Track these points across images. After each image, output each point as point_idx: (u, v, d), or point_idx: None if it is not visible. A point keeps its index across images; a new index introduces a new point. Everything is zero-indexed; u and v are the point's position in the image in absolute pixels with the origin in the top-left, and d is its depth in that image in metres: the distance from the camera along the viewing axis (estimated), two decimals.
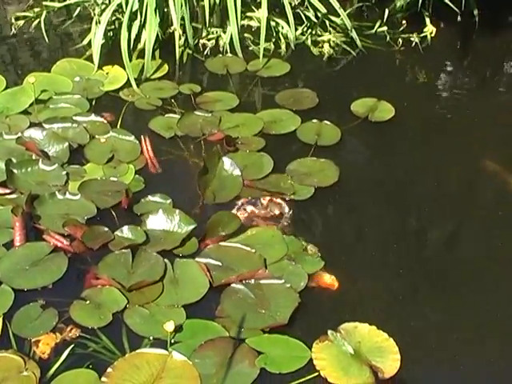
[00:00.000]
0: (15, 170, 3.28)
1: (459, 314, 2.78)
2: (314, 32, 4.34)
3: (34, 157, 3.39)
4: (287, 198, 3.22)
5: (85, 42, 4.24)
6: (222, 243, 2.99)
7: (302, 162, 3.48)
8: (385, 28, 4.41)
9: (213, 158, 3.38)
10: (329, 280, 2.88)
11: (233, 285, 2.83)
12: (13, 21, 4.39)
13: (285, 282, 2.84)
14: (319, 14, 4.31)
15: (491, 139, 3.69)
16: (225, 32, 4.24)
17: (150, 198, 3.21)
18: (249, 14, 4.30)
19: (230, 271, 2.88)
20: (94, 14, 4.08)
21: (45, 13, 4.33)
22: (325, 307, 2.83)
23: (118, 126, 3.70)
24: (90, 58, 4.08)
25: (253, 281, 2.84)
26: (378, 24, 4.44)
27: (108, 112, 3.76)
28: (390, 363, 2.61)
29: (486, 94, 4.12)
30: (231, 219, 3.05)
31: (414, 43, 4.37)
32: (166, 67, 4.15)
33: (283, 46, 4.32)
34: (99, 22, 4.01)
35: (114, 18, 4.17)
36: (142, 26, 4.04)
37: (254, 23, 4.31)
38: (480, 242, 3.09)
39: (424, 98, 4.07)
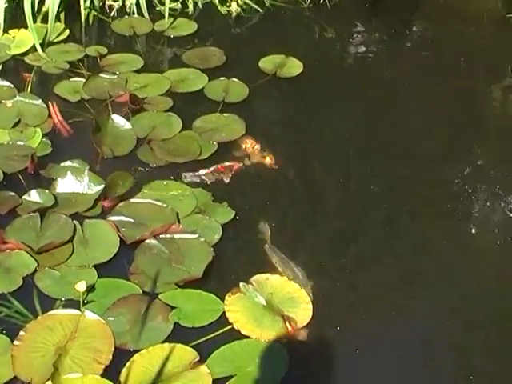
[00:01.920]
0: None
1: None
2: None
3: None
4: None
5: None
6: (132, 200, 2.98)
7: (208, 119, 3.49)
8: None
9: (102, 116, 3.39)
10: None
11: (147, 241, 2.83)
12: None
13: (199, 236, 2.85)
14: None
15: (398, 93, 3.74)
16: None
17: (58, 160, 3.16)
18: None
19: (144, 227, 2.87)
20: None
21: None
22: (238, 260, 2.83)
23: (26, 91, 3.61)
24: None
25: (167, 236, 2.84)
26: None
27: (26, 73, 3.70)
28: (303, 313, 2.64)
29: (394, 50, 4.18)
30: (126, 178, 3.04)
31: (322, 0, 4.37)
32: (71, 30, 4.06)
33: (191, 6, 4.30)
34: None
35: None
36: None
37: None
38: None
39: (332, 54, 4.12)
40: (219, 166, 3.17)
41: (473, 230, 3.00)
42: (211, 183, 3.12)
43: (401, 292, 2.75)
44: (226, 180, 3.14)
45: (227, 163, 3.20)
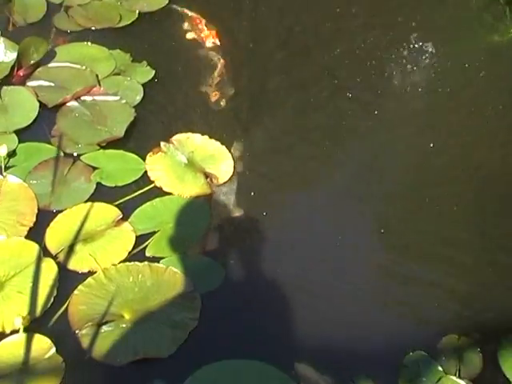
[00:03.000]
0: None
1: None
2: None
3: None
4: None
5: None
6: (50, 65, 2.94)
7: None
8: None
9: None
10: None
11: (68, 104, 2.82)
12: None
13: (120, 98, 2.85)
14: None
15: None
16: None
17: None
18: None
19: (64, 91, 2.86)
20: None
21: None
22: (159, 120, 2.85)
23: None
24: None
25: (89, 98, 2.83)
26: None
27: None
28: (224, 169, 2.68)
29: None
30: (40, 44, 2.98)
31: None
32: None
33: None
34: None
35: None
36: None
37: None
38: None
39: None
40: None
41: None
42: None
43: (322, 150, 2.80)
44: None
45: None
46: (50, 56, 3.00)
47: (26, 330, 2.21)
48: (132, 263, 2.36)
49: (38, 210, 2.50)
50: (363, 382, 2.14)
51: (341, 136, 2.87)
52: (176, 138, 2.75)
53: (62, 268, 2.36)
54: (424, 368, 2.17)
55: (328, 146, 2.83)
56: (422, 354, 2.20)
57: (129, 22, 3.24)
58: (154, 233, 2.47)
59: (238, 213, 2.56)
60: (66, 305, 2.28)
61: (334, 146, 2.84)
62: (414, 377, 2.15)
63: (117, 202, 2.53)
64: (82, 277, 2.34)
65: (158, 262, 2.39)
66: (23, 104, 2.82)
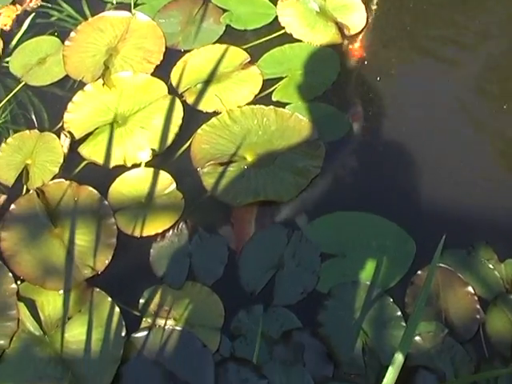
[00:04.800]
0: None
1: None
2: None
3: None
4: None
5: None
6: None
7: None
8: None
9: None
10: None
11: None
12: None
13: None
14: None
15: None
16: None
17: None
18: None
19: None
20: None
21: None
22: None
23: None
24: None
25: None
26: None
27: None
28: (356, 20, 2.55)
29: None
30: None
31: None
32: None
33: None
34: None
35: None
36: None
37: None
38: None
39: None
40: None
41: None
42: None
43: None
44: None
45: None
46: None
47: (147, 164, 2.19)
48: (257, 106, 2.29)
49: (166, 48, 2.46)
50: (483, 249, 2.04)
51: None
52: None
53: (187, 107, 2.32)
54: None
55: None
56: None
57: None
58: (282, 78, 2.39)
59: (367, 67, 2.43)
60: (188, 143, 2.24)
61: None
62: None
63: (245, 46, 2.46)
64: (206, 116, 2.29)
65: (284, 108, 2.29)
66: None
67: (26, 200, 2.12)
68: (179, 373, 1.86)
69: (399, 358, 1.51)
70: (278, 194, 2.14)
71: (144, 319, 1.94)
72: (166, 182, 2.16)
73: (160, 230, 2.07)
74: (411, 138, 2.26)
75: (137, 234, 2.06)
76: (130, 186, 2.16)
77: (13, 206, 2.10)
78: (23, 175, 2.19)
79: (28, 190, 2.16)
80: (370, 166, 2.23)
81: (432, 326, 1.92)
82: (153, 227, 2.07)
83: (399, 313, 1.94)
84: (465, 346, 1.90)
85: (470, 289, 1.97)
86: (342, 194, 2.18)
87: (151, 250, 2.05)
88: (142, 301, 1.97)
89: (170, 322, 1.93)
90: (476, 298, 1.96)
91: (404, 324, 1.92)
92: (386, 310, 1.95)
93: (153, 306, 1.96)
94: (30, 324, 1.92)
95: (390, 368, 1.51)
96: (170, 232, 2.07)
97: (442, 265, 1.99)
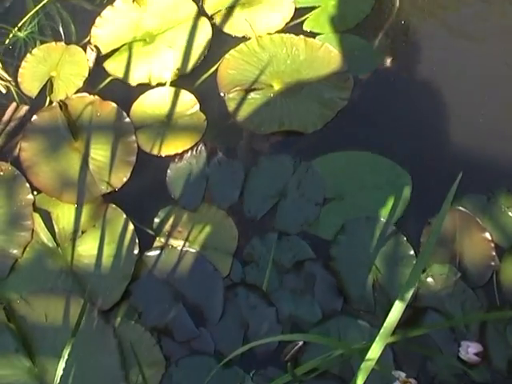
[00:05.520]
0: None
1: None
2: None
3: None
4: None
5: None
6: None
7: None
8: None
9: None
10: None
11: None
12: None
13: None
14: None
15: None
16: None
17: None
18: None
19: None
20: None
21: None
22: None
23: None
24: None
25: None
26: None
27: None
28: None
29: None
30: None
31: None
32: None
33: None
34: None
35: None
36: None
37: None
38: None
39: None
40: None
41: None
42: None
43: None
44: None
45: None
46: None
47: (172, 84, 2.16)
48: (287, 35, 2.25)
49: None
50: (504, 196, 2.00)
51: None
52: None
53: (216, 30, 2.28)
54: None
55: None
56: None
57: None
58: (314, 8, 2.33)
59: (401, 2, 2.37)
60: (215, 67, 2.22)
61: None
62: None
63: None
64: (235, 41, 2.26)
65: (314, 38, 2.25)
66: None
67: (49, 112, 2.10)
68: (188, 294, 1.86)
69: (405, 294, 1.49)
70: (302, 125, 2.11)
71: (157, 239, 1.94)
72: (190, 103, 2.14)
73: (180, 150, 2.06)
74: (440, 79, 2.21)
75: (156, 152, 2.05)
76: (153, 104, 2.15)
77: (35, 117, 2.09)
78: (47, 87, 2.17)
79: (51, 102, 2.14)
80: (396, 104, 2.18)
81: (445, 268, 1.90)
82: (173, 147, 2.06)
83: (412, 252, 1.92)
84: (476, 292, 1.88)
85: (488, 235, 1.94)
86: (366, 131, 2.14)
87: (168, 171, 2.03)
88: (156, 220, 1.97)
89: (183, 243, 1.92)
90: (492, 244, 1.93)
91: None
92: (399, 248, 1.93)
93: (167, 227, 1.96)
94: (43, 235, 1.92)
95: (396, 302, 1.50)
96: (189, 153, 2.06)
97: (461, 208, 1.96)
